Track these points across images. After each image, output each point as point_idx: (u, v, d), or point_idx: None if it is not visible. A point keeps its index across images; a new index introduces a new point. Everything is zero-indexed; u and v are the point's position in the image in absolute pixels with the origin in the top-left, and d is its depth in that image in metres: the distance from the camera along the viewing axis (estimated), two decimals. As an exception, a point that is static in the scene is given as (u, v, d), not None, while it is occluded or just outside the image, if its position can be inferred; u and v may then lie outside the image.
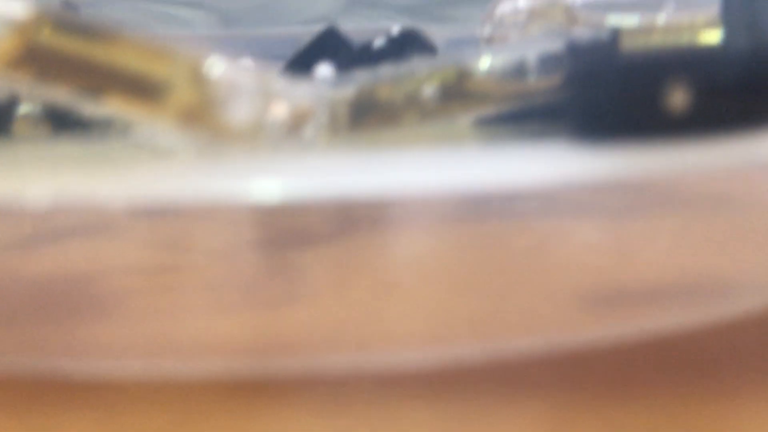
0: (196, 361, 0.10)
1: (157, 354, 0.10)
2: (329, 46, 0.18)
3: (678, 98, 0.08)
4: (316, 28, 0.19)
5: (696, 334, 0.09)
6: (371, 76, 0.13)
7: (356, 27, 0.19)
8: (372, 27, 0.20)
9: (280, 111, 0.10)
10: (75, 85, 0.08)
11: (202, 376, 0.09)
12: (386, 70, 0.13)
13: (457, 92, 0.13)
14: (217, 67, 0.08)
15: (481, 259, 0.12)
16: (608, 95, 0.08)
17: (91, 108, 0.09)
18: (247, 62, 0.22)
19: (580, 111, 0.09)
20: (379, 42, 0.18)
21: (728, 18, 0.14)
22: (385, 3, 0.22)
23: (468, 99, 0.13)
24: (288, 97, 0.11)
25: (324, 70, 0.13)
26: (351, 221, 0.13)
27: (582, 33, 0.13)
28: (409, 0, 0.22)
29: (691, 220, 0.13)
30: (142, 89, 0.08)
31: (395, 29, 0.18)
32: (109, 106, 0.09)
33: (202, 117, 0.09)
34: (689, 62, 0.09)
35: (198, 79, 0.08)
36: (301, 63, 0.17)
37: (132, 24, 0.22)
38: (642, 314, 0.09)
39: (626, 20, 0.15)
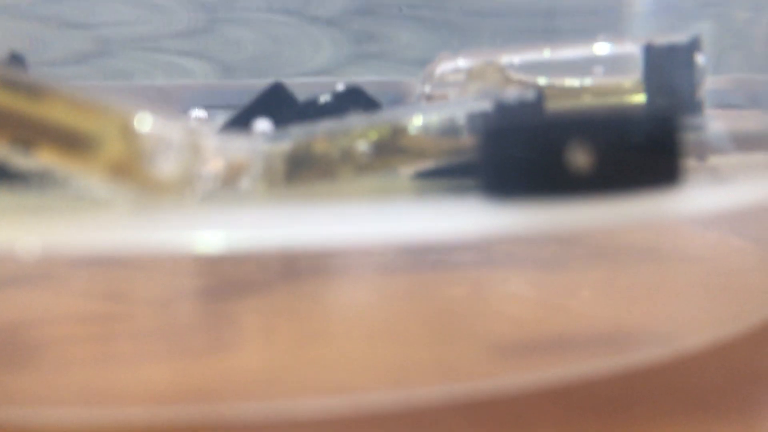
0: (126, 408, 0.10)
1: (89, 402, 0.11)
2: (276, 101, 0.18)
3: (591, 157, 0.09)
4: (314, 80, 0.20)
5: (605, 381, 0.09)
6: (308, 131, 0.13)
7: (357, 79, 0.20)
8: (374, 80, 0.21)
9: (212, 164, 0.11)
10: (8, 138, 0.09)
11: (133, 424, 0.09)
12: (323, 125, 0.13)
13: (392, 147, 0.14)
14: (146, 122, 0.09)
15: (408, 309, 0.12)
16: (526, 152, 0.09)
17: (24, 160, 0.09)
18: (200, 113, 0.22)
19: (497, 167, 0.09)
20: (324, 97, 0.18)
21: (649, 83, 0.15)
22: (388, 55, 0.23)
23: (402, 154, 0.14)
24: (222, 150, 0.11)
25: (262, 124, 0.14)
26: (283, 271, 0.14)
27: (510, 94, 0.14)
28: (412, 53, 0.23)
29: (611, 273, 0.13)
30: (74, 143, 0.09)
31: (340, 86, 0.18)
32: (42, 159, 0.09)
33: (132, 170, 0.09)
34: (605, 123, 0.10)
35: (128, 133, 0.09)
36: (248, 116, 0.18)
37: (136, 72, 0.22)
38: (554, 362, 0.09)
39: (556, 82, 0.16)
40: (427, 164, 0.14)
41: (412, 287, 0.13)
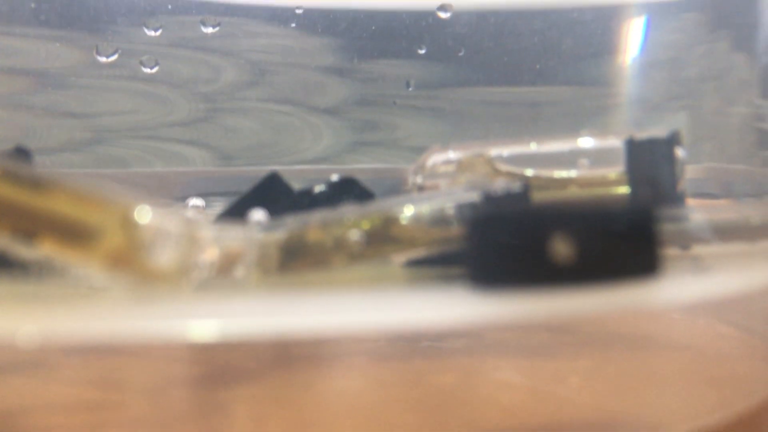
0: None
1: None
2: (271, 191, 0.19)
3: (573, 247, 0.09)
4: (310, 167, 0.20)
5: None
6: (301, 221, 0.13)
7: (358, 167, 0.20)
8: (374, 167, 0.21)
9: (208, 253, 0.11)
10: (10, 229, 0.09)
11: None
12: (317, 215, 0.14)
13: (384, 237, 0.14)
14: (145, 214, 0.09)
15: (399, 397, 0.12)
16: (511, 243, 0.09)
17: (25, 250, 0.10)
18: (197, 201, 0.23)
19: (483, 257, 0.09)
20: (318, 187, 0.19)
21: (631, 175, 0.15)
22: (389, 143, 0.24)
23: (394, 243, 0.14)
24: (218, 240, 0.12)
25: (257, 214, 0.14)
26: (276, 359, 0.14)
27: (497, 185, 0.14)
28: (417, 140, 0.24)
29: (599, 361, 0.13)
30: (75, 234, 0.09)
31: (335, 176, 0.19)
32: (44, 250, 0.09)
33: (131, 260, 0.09)
34: (587, 214, 0.10)
35: (128, 225, 0.09)
36: (245, 206, 0.18)
37: (133, 160, 0.23)
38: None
39: (543, 173, 0.17)
40: (419, 253, 0.14)
41: (403, 375, 0.13)
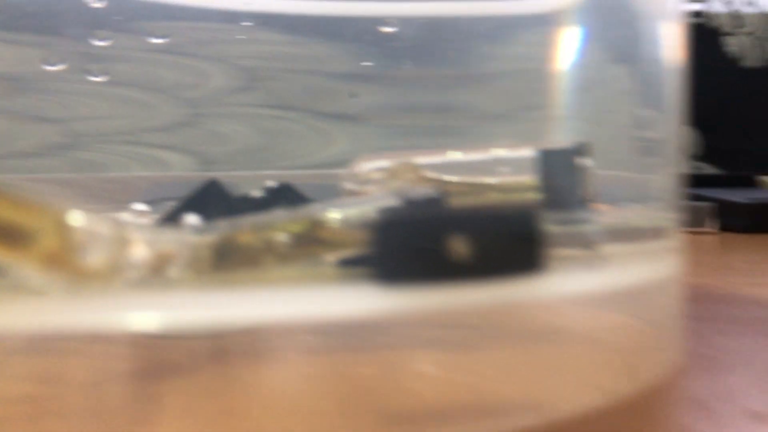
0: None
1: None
2: (211, 196, 0.20)
3: (466, 246, 0.11)
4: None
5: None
6: (233, 224, 0.14)
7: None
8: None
9: (140, 254, 0.12)
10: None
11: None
12: (248, 219, 0.15)
13: (311, 239, 0.15)
14: (77, 218, 0.10)
15: (321, 388, 0.13)
16: (409, 243, 0.10)
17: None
18: (141, 206, 0.23)
19: (386, 256, 0.11)
20: (256, 193, 0.20)
21: (542, 182, 0.17)
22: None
23: (321, 245, 0.15)
24: (150, 242, 0.12)
25: (191, 218, 0.15)
26: (208, 354, 0.15)
27: (416, 191, 0.15)
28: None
29: (506, 352, 0.15)
30: (13, 236, 0.10)
31: (271, 182, 0.20)
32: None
33: (64, 260, 0.10)
34: (478, 218, 0.11)
35: (60, 228, 0.10)
36: (185, 211, 0.19)
37: (110, 165, 0.23)
38: (437, 428, 0.10)
39: (466, 180, 0.18)
40: (346, 254, 0.15)
41: (328, 368, 0.14)
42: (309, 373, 0.14)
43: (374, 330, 0.16)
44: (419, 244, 0.10)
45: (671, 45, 0.15)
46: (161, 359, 0.15)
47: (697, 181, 0.75)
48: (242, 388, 0.13)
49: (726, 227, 0.53)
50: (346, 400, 0.12)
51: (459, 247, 0.10)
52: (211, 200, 0.19)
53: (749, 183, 0.75)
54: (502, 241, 0.11)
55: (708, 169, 0.83)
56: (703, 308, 0.19)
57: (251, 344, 0.15)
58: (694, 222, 0.51)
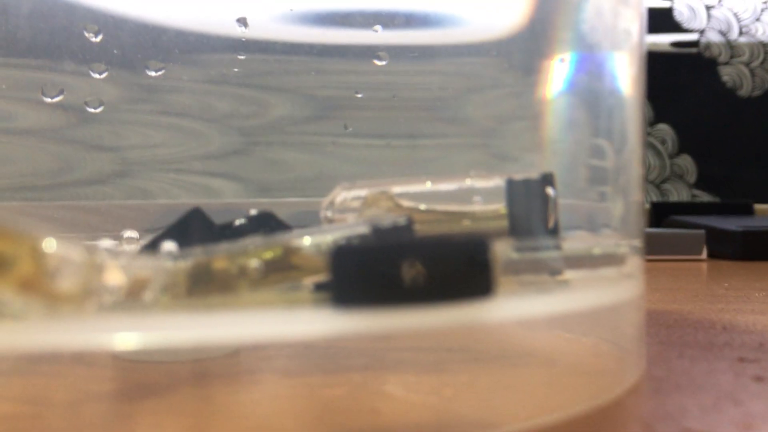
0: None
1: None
2: (195, 224, 0.20)
3: (418, 272, 0.11)
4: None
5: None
6: (208, 250, 0.15)
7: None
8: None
9: (115, 279, 0.13)
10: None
11: None
12: (223, 246, 0.15)
13: (284, 265, 0.16)
14: (51, 245, 0.11)
15: (291, 406, 0.14)
16: (362, 269, 0.11)
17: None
18: (132, 233, 0.24)
19: (341, 282, 0.11)
20: (239, 221, 0.20)
21: (510, 210, 0.17)
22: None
23: (294, 270, 0.16)
24: (126, 267, 0.13)
25: (168, 245, 0.16)
26: (184, 376, 0.15)
27: (385, 219, 0.16)
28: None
29: (473, 375, 0.15)
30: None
31: (253, 211, 0.20)
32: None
33: (38, 286, 0.11)
34: (432, 246, 0.12)
35: (35, 255, 0.10)
36: (168, 239, 0.20)
37: (158, 192, 0.24)
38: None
39: (438, 208, 0.19)
40: (320, 279, 0.16)
41: (298, 388, 0.15)
42: (280, 393, 0.15)
43: (345, 352, 0.17)
44: (374, 269, 0.11)
45: (629, 75, 0.16)
46: (138, 381, 0.15)
47: (692, 208, 0.76)
48: (215, 408, 0.14)
49: (717, 254, 0.53)
50: (316, 420, 0.13)
51: (413, 272, 0.11)
52: (194, 228, 0.20)
53: (745, 210, 0.76)
54: (455, 267, 0.11)
55: (703, 197, 0.84)
56: (671, 333, 0.20)
57: (225, 366, 0.16)
58: (685, 249, 0.51)
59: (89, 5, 0.22)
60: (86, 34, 0.22)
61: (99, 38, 0.22)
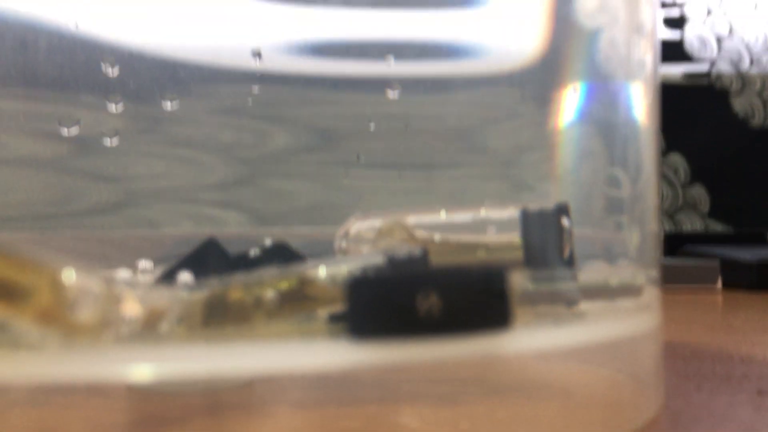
0: None
1: None
2: (209, 255, 0.20)
3: (436, 304, 0.11)
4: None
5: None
6: (224, 281, 0.15)
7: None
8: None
9: (131, 310, 0.13)
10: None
11: None
12: (239, 277, 0.15)
13: (299, 296, 0.16)
14: (70, 276, 0.11)
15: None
16: (378, 300, 0.11)
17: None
18: (146, 264, 0.24)
19: (357, 312, 0.11)
20: (253, 251, 0.20)
21: (525, 241, 0.17)
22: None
23: (309, 301, 0.16)
24: (143, 298, 0.13)
25: (184, 276, 0.16)
26: (200, 407, 0.15)
27: (400, 249, 0.16)
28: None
29: (491, 407, 0.15)
30: (8, 294, 0.10)
31: (268, 241, 0.20)
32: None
33: (57, 316, 0.11)
34: (449, 277, 0.12)
35: (54, 285, 0.11)
36: (183, 268, 0.20)
37: (163, 222, 0.24)
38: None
39: (452, 239, 0.19)
40: (336, 309, 0.16)
41: (314, 420, 0.15)
42: (294, 425, 0.15)
43: (360, 384, 0.17)
44: (389, 300, 0.11)
45: (643, 105, 0.16)
46: (152, 412, 0.15)
47: (705, 238, 0.76)
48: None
49: (731, 285, 0.53)
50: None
51: (428, 303, 0.11)
52: (209, 259, 0.20)
53: (759, 240, 0.75)
54: (471, 298, 0.11)
55: (717, 227, 0.84)
56: (688, 365, 0.20)
57: (239, 397, 0.16)
58: (698, 279, 0.51)
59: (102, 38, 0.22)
60: (103, 67, 0.22)
61: (116, 71, 0.22)
